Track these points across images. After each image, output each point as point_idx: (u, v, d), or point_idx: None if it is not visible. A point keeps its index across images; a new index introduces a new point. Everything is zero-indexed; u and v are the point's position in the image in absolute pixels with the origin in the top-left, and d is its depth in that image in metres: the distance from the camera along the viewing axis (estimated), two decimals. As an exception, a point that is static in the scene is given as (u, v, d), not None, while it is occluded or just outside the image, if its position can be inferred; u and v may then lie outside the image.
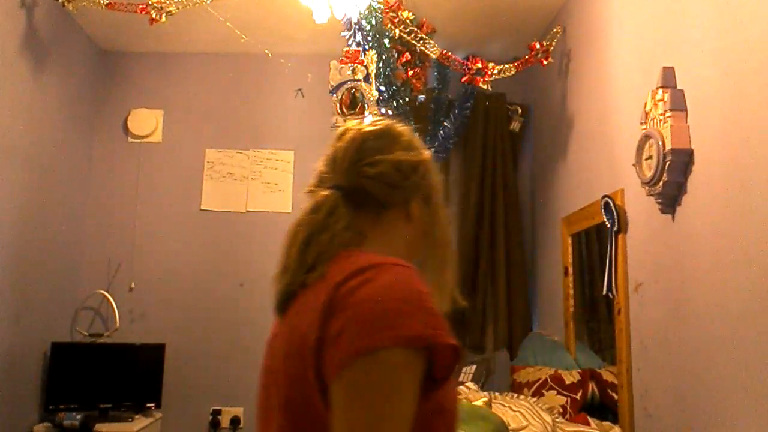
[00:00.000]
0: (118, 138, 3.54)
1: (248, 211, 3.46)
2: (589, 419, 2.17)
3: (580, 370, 2.45)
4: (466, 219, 3.36)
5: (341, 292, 0.77)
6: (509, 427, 1.87)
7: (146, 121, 3.52)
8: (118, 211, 3.46)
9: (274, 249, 0.95)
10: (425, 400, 0.75)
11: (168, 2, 2.67)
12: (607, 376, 2.35)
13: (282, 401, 0.81)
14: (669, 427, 1.80)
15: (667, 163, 1.71)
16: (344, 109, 2.51)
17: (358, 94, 2.52)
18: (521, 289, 3.29)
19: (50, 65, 3.00)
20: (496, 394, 2.27)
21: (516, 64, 2.75)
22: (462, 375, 2.69)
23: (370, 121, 0.98)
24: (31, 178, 2.88)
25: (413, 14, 2.75)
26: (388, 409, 0.71)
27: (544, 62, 2.73)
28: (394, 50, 2.77)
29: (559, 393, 2.35)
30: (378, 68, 2.64)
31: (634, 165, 1.91)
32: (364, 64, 2.54)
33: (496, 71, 2.73)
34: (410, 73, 2.85)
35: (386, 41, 2.70)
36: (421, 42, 2.73)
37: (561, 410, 2.25)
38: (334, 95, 2.53)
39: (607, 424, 2.14)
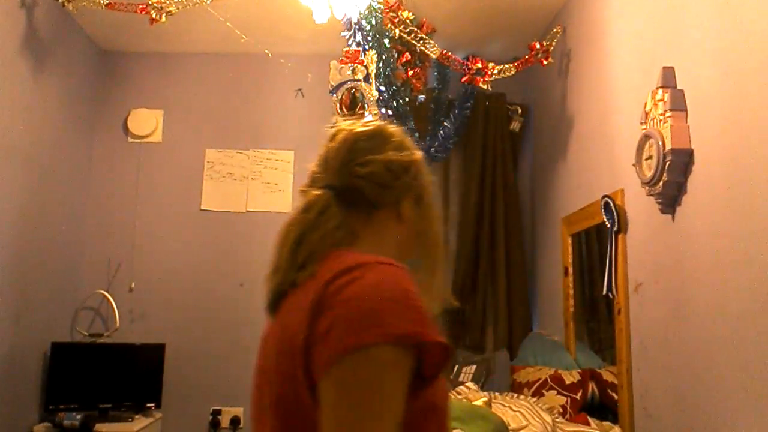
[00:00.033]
0: (118, 138, 3.54)
1: (248, 211, 3.46)
2: (589, 419, 2.17)
3: (580, 370, 2.45)
4: (466, 219, 3.36)
5: (329, 291, 0.77)
6: (509, 427, 1.87)
7: (146, 121, 3.52)
8: (118, 211, 3.46)
9: (274, 249, 0.95)
10: (416, 398, 0.75)
11: (168, 2, 2.67)
12: (607, 376, 2.35)
13: (274, 400, 0.81)
14: (669, 427, 1.80)
15: (667, 163, 1.71)
16: (344, 109, 2.51)
17: (358, 94, 2.52)
18: (521, 289, 3.29)
19: (50, 65, 3.00)
20: (496, 394, 2.27)
21: (516, 64, 2.75)
22: (462, 375, 2.69)
23: (362, 122, 0.99)
24: (31, 178, 2.88)
25: (413, 14, 2.75)
26: (377, 406, 0.71)
27: (544, 62, 2.73)
28: (394, 50, 2.77)
29: (559, 393, 2.35)
30: (378, 68, 2.64)
31: (634, 165, 1.91)
32: (364, 64, 2.54)
33: (496, 71, 2.74)
34: (410, 73, 2.85)
35: (386, 41, 2.70)
36: (421, 42, 2.73)
37: (561, 410, 2.25)
38: (334, 95, 2.53)
39: (607, 424, 2.14)
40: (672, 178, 1.72)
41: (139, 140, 3.53)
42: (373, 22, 2.66)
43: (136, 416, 3.01)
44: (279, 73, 3.41)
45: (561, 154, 2.91)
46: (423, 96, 3.01)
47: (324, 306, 0.76)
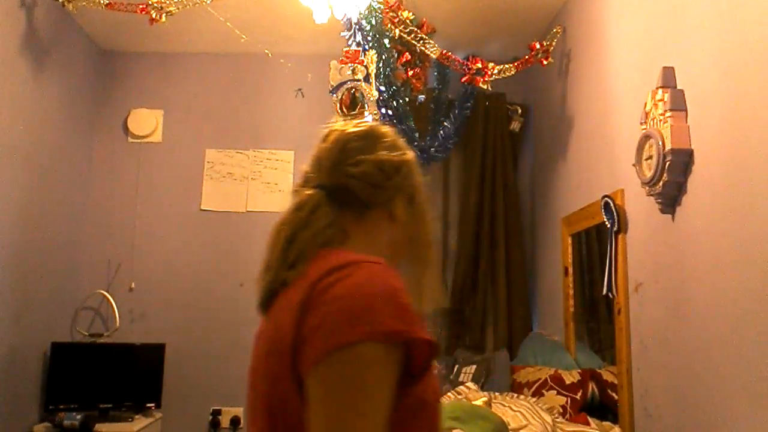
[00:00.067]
0: (118, 138, 3.54)
1: (248, 211, 3.46)
2: (589, 419, 2.17)
3: (580, 370, 2.45)
4: (466, 219, 3.36)
5: (317, 290, 0.77)
6: (509, 427, 1.87)
7: (146, 121, 3.52)
8: (118, 211, 3.46)
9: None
10: (404, 396, 0.75)
11: (168, 2, 2.67)
12: (607, 376, 2.35)
13: (265, 400, 0.82)
14: (669, 427, 1.80)
15: (667, 163, 1.71)
16: (344, 109, 2.51)
17: (358, 94, 2.52)
18: (521, 289, 3.29)
19: (50, 65, 3.00)
20: (496, 394, 2.27)
21: (516, 64, 2.75)
22: (462, 375, 2.69)
23: (354, 122, 0.99)
24: (31, 178, 2.88)
25: (413, 14, 2.75)
26: (363, 404, 0.71)
27: (544, 62, 2.74)
28: (394, 50, 2.77)
29: (559, 393, 2.35)
30: (378, 68, 2.64)
31: (634, 165, 1.91)
32: (364, 64, 2.54)
33: (496, 71, 2.74)
34: (410, 73, 2.85)
35: (386, 41, 2.70)
36: (421, 42, 2.73)
37: (561, 410, 2.25)
38: (334, 95, 2.53)
39: (607, 424, 2.14)
40: (672, 178, 1.72)
41: (139, 140, 3.53)
42: (373, 22, 2.66)
43: (136, 416, 3.01)
44: (279, 73, 3.41)
45: (561, 154, 2.91)
46: (423, 96, 3.01)
47: (311, 305, 0.77)
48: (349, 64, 2.52)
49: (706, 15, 1.65)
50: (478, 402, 1.75)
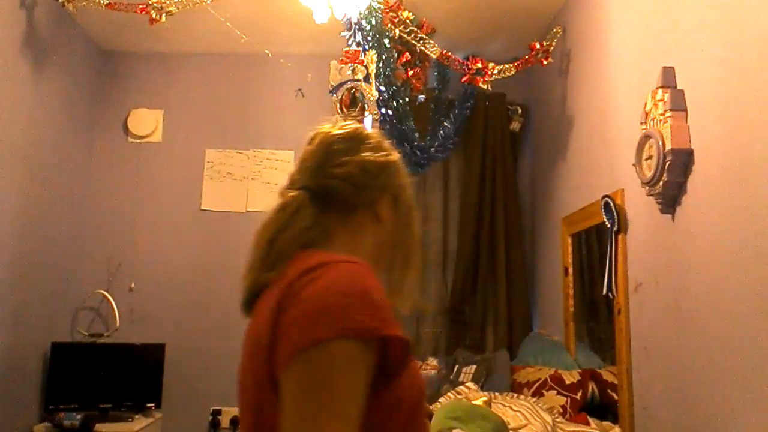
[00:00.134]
0: (118, 138, 3.54)
1: (248, 211, 3.46)
2: (589, 419, 2.17)
3: (580, 370, 2.45)
4: (466, 219, 3.36)
5: (291, 291, 0.78)
6: (509, 427, 1.86)
7: (146, 121, 3.52)
8: (118, 211, 3.46)
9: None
10: (381, 395, 0.75)
11: (168, 2, 2.67)
12: (607, 376, 2.35)
13: (248, 399, 0.82)
14: (669, 427, 1.80)
15: (667, 163, 1.71)
16: (344, 109, 2.51)
17: (358, 94, 2.52)
18: (521, 289, 3.29)
19: (50, 65, 3.00)
20: (496, 394, 2.27)
21: (516, 64, 2.75)
22: (462, 375, 2.69)
23: (339, 124, 1.00)
24: (31, 178, 2.88)
25: (413, 14, 2.75)
26: (333, 401, 0.71)
27: (544, 62, 2.74)
28: (394, 50, 2.77)
29: (559, 393, 2.35)
30: (378, 68, 2.64)
31: (634, 165, 1.91)
32: (364, 64, 2.54)
33: (496, 71, 2.74)
34: (410, 73, 2.85)
35: (386, 41, 2.70)
36: (421, 42, 2.73)
37: (561, 410, 2.25)
38: (334, 95, 2.53)
39: (607, 424, 2.14)
40: (672, 178, 1.72)
41: (139, 140, 3.53)
42: (373, 22, 2.66)
43: (136, 416, 3.02)
44: (279, 73, 3.41)
45: (561, 154, 2.91)
46: (423, 96, 3.01)
47: (285, 306, 0.77)
48: (349, 64, 2.52)
49: (706, 15, 1.65)
50: (478, 402, 1.74)
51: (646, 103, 1.84)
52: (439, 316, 3.40)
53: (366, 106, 2.52)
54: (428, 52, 2.76)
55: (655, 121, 1.79)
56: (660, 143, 1.73)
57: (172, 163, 3.52)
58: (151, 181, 3.50)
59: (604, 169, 2.36)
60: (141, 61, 3.60)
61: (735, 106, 1.51)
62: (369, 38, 2.66)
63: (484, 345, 3.27)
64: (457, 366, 2.79)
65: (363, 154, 0.95)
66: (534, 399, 2.22)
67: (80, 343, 3.24)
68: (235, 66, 3.57)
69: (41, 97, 2.94)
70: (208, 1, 2.68)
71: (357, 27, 2.68)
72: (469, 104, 3.29)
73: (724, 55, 1.56)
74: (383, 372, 0.76)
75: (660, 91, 1.76)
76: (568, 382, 2.38)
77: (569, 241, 2.75)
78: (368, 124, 2.57)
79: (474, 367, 2.69)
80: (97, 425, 2.85)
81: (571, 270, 2.72)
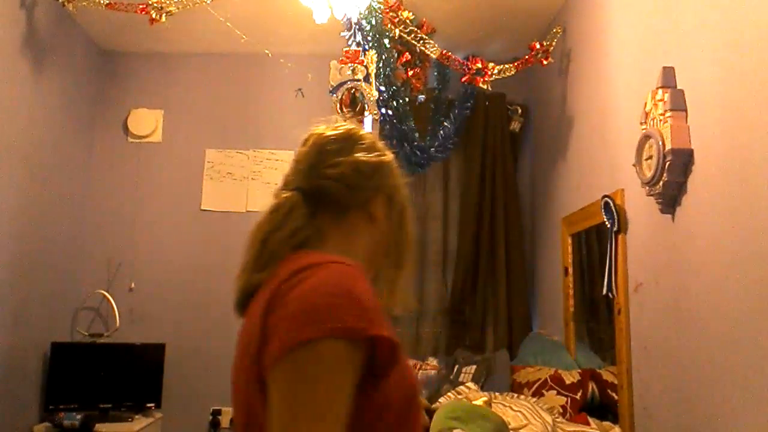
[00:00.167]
0: (118, 138, 3.54)
1: (248, 211, 3.46)
2: (589, 419, 2.17)
3: (580, 370, 2.45)
4: (466, 219, 3.36)
5: (279, 292, 0.78)
6: (510, 427, 1.86)
7: (146, 121, 3.52)
8: (118, 211, 3.46)
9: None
10: (369, 396, 0.76)
11: (168, 2, 2.67)
12: (607, 376, 2.35)
13: (240, 400, 0.83)
14: (669, 427, 1.80)
15: (667, 163, 1.71)
16: (344, 109, 2.51)
17: (358, 94, 2.52)
18: (521, 289, 3.29)
19: (50, 65, 3.00)
20: (497, 394, 2.27)
21: (516, 64, 2.75)
22: (462, 375, 2.69)
23: (333, 125, 1.00)
24: (31, 178, 2.88)
25: (413, 14, 2.75)
26: (320, 399, 0.71)
27: (544, 62, 2.74)
28: (394, 50, 2.77)
29: (559, 393, 2.35)
30: (378, 68, 2.64)
31: (634, 165, 1.91)
32: (364, 64, 2.54)
33: (496, 71, 2.74)
34: (410, 73, 2.85)
35: (386, 41, 2.70)
36: (421, 42, 2.73)
37: (561, 410, 2.25)
38: (334, 95, 2.53)
39: (607, 424, 2.14)
40: (672, 178, 1.72)
41: (139, 140, 3.53)
42: (373, 22, 2.66)
43: (136, 416, 3.02)
44: (279, 73, 3.41)
45: (561, 154, 2.91)
46: (423, 96, 3.01)
47: (274, 306, 0.77)
48: (349, 64, 2.52)
49: (706, 15, 1.65)
50: (479, 402, 1.74)
51: (646, 103, 1.84)
52: (439, 316, 3.40)
53: (366, 106, 2.52)
54: (428, 52, 2.76)
55: (655, 121, 1.79)
56: (660, 143, 1.73)
57: (172, 163, 3.52)
58: (151, 181, 3.50)
59: (604, 169, 2.36)
60: (141, 61, 3.60)
61: (735, 106, 1.51)
62: (369, 38, 2.67)
63: (484, 345, 3.27)
64: (457, 366, 2.79)
65: (356, 155, 0.96)
66: (534, 399, 2.22)
67: (80, 343, 3.24)
68: (235, 66, 3.57)
69: (41, 97, 2.94)
70: (208, 1, 2.68)
71: (357, 27, 2.68)
72: (469, 104, 3.29)
73: (724, 55, 1.56)
74: (371, 372, 0.76)
75: (660, 91, 1.76)
76: (568, 382, 2.38)
77: (569, 241, 2.75)
78: (368, 124, 2.57)
79: (474, 367, 2.69)
80: (97, 425, 2.85)
81: (571, 270, 2.72)
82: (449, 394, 2.38)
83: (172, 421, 3.22)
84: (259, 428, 0.75)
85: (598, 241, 2.45)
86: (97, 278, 3.38)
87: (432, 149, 3.08)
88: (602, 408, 2.32)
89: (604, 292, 2.16)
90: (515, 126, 3.43)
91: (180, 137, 3.54)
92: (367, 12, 2.64)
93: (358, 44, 2.67)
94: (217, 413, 3.26)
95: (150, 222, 3.45)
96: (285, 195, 0.94)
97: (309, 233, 0.90)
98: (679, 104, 1.71)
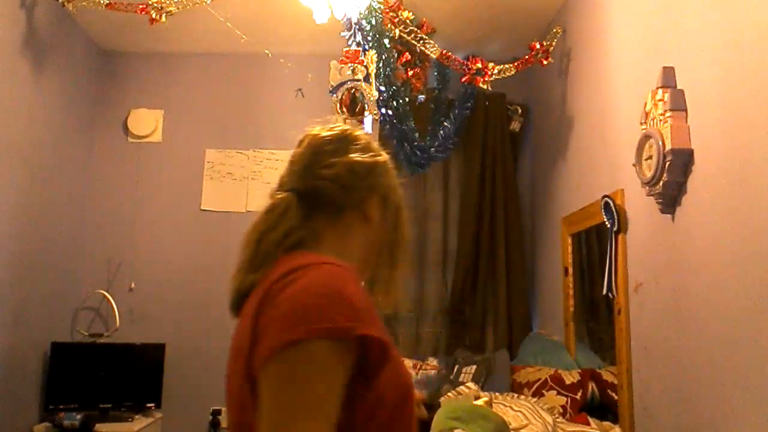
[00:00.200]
0: (118, 138, 3.54)
1: (248, 211, 3.46)
2: (589, 419, 2.17)
3: (580, 370, 2.45)
4: (466, 219, 3.36)
5: (270, 293, 0.79)
6: (510, 427, 1.87)
7: (146, 121, 3.52)
8: (118, 211, 3.46)
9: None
10: (361, 395, 0.76)
11: (168, 2, 2.67)
12: (607, 376, 2.35)
13: (234, 400, 0.83)
14: (669, 427, 1.80)
15: (667, 163, 1.71)
16: (344, 109, 2.51)
17: (358, 94, 2.52)
18: (521, 289, 3.29)
19: (50, 65, 3.00)
20: (497, 394, 2.27)
21: (516, 64, 2.75)
22: (462, 375, 2.69)
23: (328, 126, 1.00)
24: (31, 178, 2.88)
25: (413, 14, 2.75)
26: (309, 398, 0.72)
27: (544, 62, 2.74)
28: (394, 50, 2.77)
29: (559, 393, 2.35)
30: (378, 68, 2.64)
31: (634, 165, 1.91)
32: (364, 64, 2.55)
33: (496, 71, 2.74)
34: (410, 73, 2.85)
35: (386, 41, 2.70)
36: (421, 42, 2.73)
37: (561, 410, 2.25)
38: (334, 95, 2.53)
39: (607, 424, 2.14)
40: (672, 178, 1.72)
41: (139, 140, 3.53)
42: (373, 22, 2.66)
43: (136, 416, 3.02)
44: (279, 73, 3.41)
45: (561, 154, 2.91)
46: (423, 96, 3.01)
47: (264, 308, 0.78)
48: (349, 64, 2.52)
49: (706, 15, 1.65)
50: (479, 402, 1.75)
51: (646, 103, 1.84)
52: (439, 316, 3.40)
53: (366, 106, 2.52)
54: (428, 52, 2.76)
55: (655, 121, 1.79)
56: (660, 143, 1.73)
57: (172, 163, 3.52)
58: (151, 181, 3.50)
59: (604, 169, 2.36)
60: (141, 61, 3.60)
61: (735, 106, 1.51)
62: (369, 38, 2.67)
63: (484, 345, 3.27)
64: (457, 366, 2.79)
65: (351, 156, 0.96)
66: (534, 399, 2.22)
67: (80, 343, 3.24)
68: (235, 66, 3.57)
69: (41, 97, 2.94)
70: (208, 1, 2.68)
71: (357, 27, 2.68)
72: (469, 104, 3.29)
73: (724, 55, 1.56)
74: (363, 372, 0.76)
75: (660, 91, 1.77)
76: (568, 382, 2.38)
77: (569, 241, 2.75)
78: (368, 124, 2.57)
79: (474, 367, 2.69)
80: (97, 425, 2.85)
81: (571, 270, 2.72)
82: (449, 394, 2.38)
83: (172, 421, 3.22)
84: (249, 428, 0.76)
85: (598, 241, 2.45)
86: (97, 278, 3.38)
87: (432, 149, 3.08)
88: (602, 408, 2.33)
89: (604, 292, 2.16)
90: (515, 126, 3.43)
91: (180, 137, 3.54)
92: (367, 12, 2.64)
93: (358, 44, 2.67)
94: (217, 413, 3.26)
95: (150, 222, 3.45)
96: (280, 196, 0.94)
97: (304, 234, 0.91)
98: (679, 104, 1.71)
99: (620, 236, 2.13)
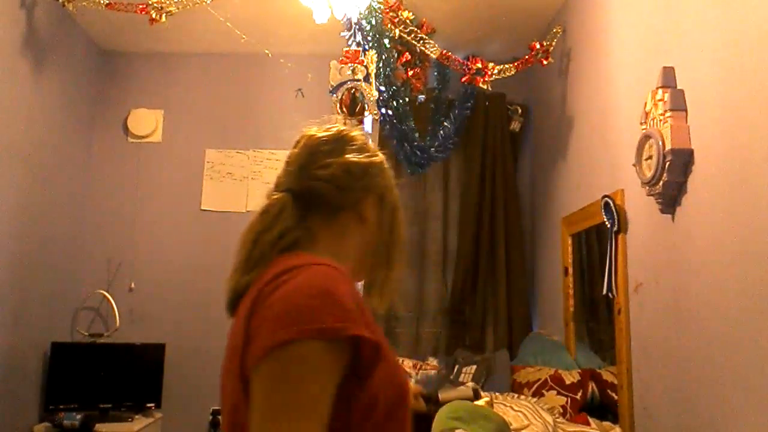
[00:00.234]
0: (118, 138, 3.54)
1: (248, 211, 3.46)
2: (589, 419, 2.17)
3: (580, 370, 2.45)
4: (466, 219, 3.36)
5: (263, 293, 0.79)
6: (511, 427, 1.86)
7: (146, 121, 3.52)
8: (118, 211, 3.46)
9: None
10: (355, 396, 0.76)
11: (168, 2, 2.67)
12: (607, 376, 2.35)
13: (228, 400, 0.83)
14: (669, 427, 1.81)
15: (667, 163, 1.71)
16: (344, 109, 2.51)
17: (358, 94, 2.52)
18: (521, 289, 3.29)
19: (50, 65, 3.00)
20: (497, 394, 2.27)
21: (516, 64, 2.75)
22: (462, 375, 2.69)
23: (324, 127, 1.00)
24: (31, 178, 2.88)
25: (413, 14, 2.75)
26: (299, 399, 0.72)
27: (544, 62, 2.74)
28: (394, 50, 2.77)
29: (559, 393, 2.35)
30: (378, 68, 2.64)
31: (634, 165, 1.91)
32: (364, 64, 2.55)
33: (496, 71, 2.74)
34: (410, 73, 2.85)
35: (386, 41, 2.70)
36: (421, 42, 2.73)
37: (561, 410, 2.25)
38: (334, 95, 2.53)
39: (607, 424, 2.14)
40: (672, 178, 1.72)
41: (139, 140, 3.53)
42: (373, 22, 2.66)
43: (136, 416, 3.02)
44: (279, 73, 3.41)
45: (561, 154, 2.91)
46: (423, 96, 3.01)
47: (256, 308, 0.78)
48: (349, 64, 2.52)
49: (706, 15, 1.65)
50: (480, 402, 1.75)
51: (646, 103, 1.85)
52: (439, 316, 3.40)
53: (366, 106, 2.52)
54: (428, 52, 2.76)
55: (655, 121, 1.79)
56: (660, 143, 1.73)
57: (172, 163, 3.51)
58: (151, 181, 3.50)
59: (604, 169, 2.36)
60: (141, 61, 3.60)
61: (735, 106, 1.51)
62: (369, 38, 2.67)
63: (484, 345, 3.27)
64: (457, 366, 2.79)
65: (347, 156, 0.96)
66: (534, 399, 2.22)
67: (80, 343, 3.24)
68: (235, 66, 3.57)
69: (41, 97, 2.94)
70: (208, 1, 2.68)
71: (357, 27, 2.69)
72: (469, 104, 3.29)
73: (724, 55, 1.56)
74: (356, 372, 0.76)
75: (660, 91, 1.77)
76: (568, 382, 2.38)
77: (569, 241, 2.75)
78: (368, 124, 2.57)
79: (474, 367, 2.69)
80: (97, 425, 2.85)
81: (571, 270, 2.72)
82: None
83: (172, 421, 3.22)
84: (243, 429, 0.76)
85: (598, 241, 2.45)
86: (97, 278, 3.38)
87: (432, 149, 3.08)
88: (602, 408, 2.33)
89: (604, 292, 2.16)
90: (515, 126, 3.43)
91: (180, 137, 3.54)
92: (367, 12, 2.64)
93: (358, 44, 2.67)
94: (217, 413, 3.26)
95: (150, 222, 3.45)
96: (275, 196, 0.94)
97: (299, 234, 0.91)
98: (679, 104, 1.71)
99: (620, 236, 2.13)
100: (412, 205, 3.42)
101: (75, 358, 3.09)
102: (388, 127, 2.84)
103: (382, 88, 2.70)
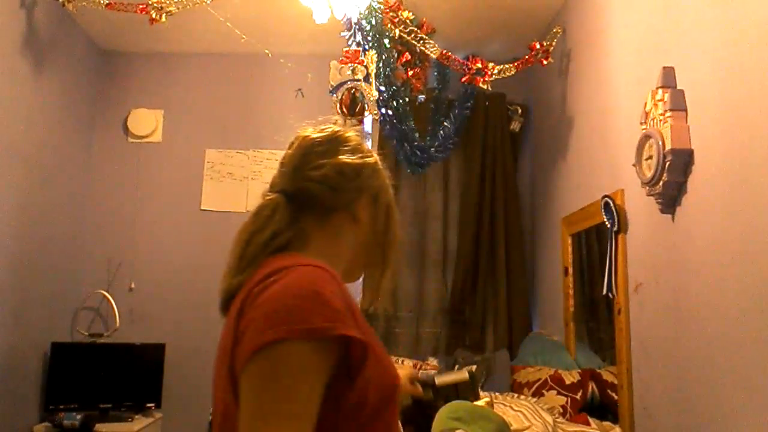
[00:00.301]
0: (118, 138, 3.54)
1: (248, 211, 3.43)
2: (589, 419, 2.17)
3: (580, 370, 2.45)
4: (466, 219, 3.36)
5: (251, 294, 0.80)
6: (511, 428, 1.86)
7: (146, 121, 3.52)
8: (118, 211, 3.46)
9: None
10: (348, 391, 0.76)
11: (168, 2, 2.67)
12: (607, 376, 2.35)
13: (219, 401, 0.84)
14: (669, 427, 1.81)
15: (667, 163, 1.71)
16: (344, 109, 2.51)
17: (358, 94, 2.52)
18: (521, 289, 3.29)
19: (50, 65, 3.00)
20: (497, 394, 2.27)
21: (516, 64, 2.75)
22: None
23: (319, 128, 1.01)
24: (31, 178, 2.88)
25: (413, 14, 2.75)
26: (286, 399, 0.72)
27: (544, 62, 2.74)
28: (394, 50, 2.77)
29: (559, 393, 2.35)
30: (378, 68, 2.64)
31: (634, 165, 1.91)
32: (364, 64, 2.55)
33: (496, 71, 2.74)
34: (410, 73, 2.85)
35: (386, 41, 2.70)
36: (421, 42, 2.73)
37: (561, 410, 2.25)
38: (334, 95, 2.53)
39: (607, 424, 2.14)
40: (672, 178, 1.72)
41: (139, 140, 3.53)
42: (373, 22, 2.66)
43: (136, 416, 3.02)
44: (279, 73, 3.41)
45: (561, 154, 2.91)
46: (423, 96, 3.01)
47: (245, 309, 0.79)
48: (349, 64, 2.52)
49: (706, 15, 1.65)
50: (480, 402, 1.75)
51: (646, 103, 1.85)
52: (439, 316, 3.40)
53: (366, 106, 2.52)
54: (428, 52, 2.76)
55: (655, 121, 1.79)
56: (660, 143, 1.73)
57: (172, 163, 3.51)
58: (151, 181, 3.50)
59: (604, 169, 2.36)
60: (141, 61, 3.60)
61: (735, 106, 1.51)
62: (369, 38, 2.67)
63: (484, 345, 3.27)
64: (457, 366, 2.79)
65: (340, 157, 0.96)
66: (534, 399, 2.22)
67: (80, 343, 3.23)
68: (235, 66, 3.57)
69: (41, 97, 2.94)
70: (208, 1, 2.67)
71: (357, 27, 2.68)
72: (469, 104, 3.29)
73: (724, 55, 1.56)
74: (345, 372, 0.77)
75: (660, 91, 1.77)
76: (568, 382, 2.38)
77: (569, 241, 2.75)
78: (368, 124, 2.58)
79: (474, 367, 2.69)
80: (97, 425, 2.85)
81: (571, 270, 2.72)
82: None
83: (172, 421, 3.22)
84: (232, 429, 0.76)
85: (598, 241, 2.45)
86: (97, 278, 3.38)
87: (432, 149, 3.08)
88: (602, 408, 2.33)
89: (604, 292, 2.16)
90: (515, 126, 3.43)
91: (180, 137, 3.54)
92: (367, 12, 2.64)
93: (358, 44, 2.67)
94: (217, 413, 3.26)
95: (150, 222, 3.45)
96: (269, 197, 0.95)
97: (291, 235, 0.91)
98: (679, 104, 1.71)
99: (620, 236, 2.13)
100: (412, 205, 3.42)
101: (75, 358, 3.09)
102: (388, 127, 2.84)
103: (382, 88, 2.70)
